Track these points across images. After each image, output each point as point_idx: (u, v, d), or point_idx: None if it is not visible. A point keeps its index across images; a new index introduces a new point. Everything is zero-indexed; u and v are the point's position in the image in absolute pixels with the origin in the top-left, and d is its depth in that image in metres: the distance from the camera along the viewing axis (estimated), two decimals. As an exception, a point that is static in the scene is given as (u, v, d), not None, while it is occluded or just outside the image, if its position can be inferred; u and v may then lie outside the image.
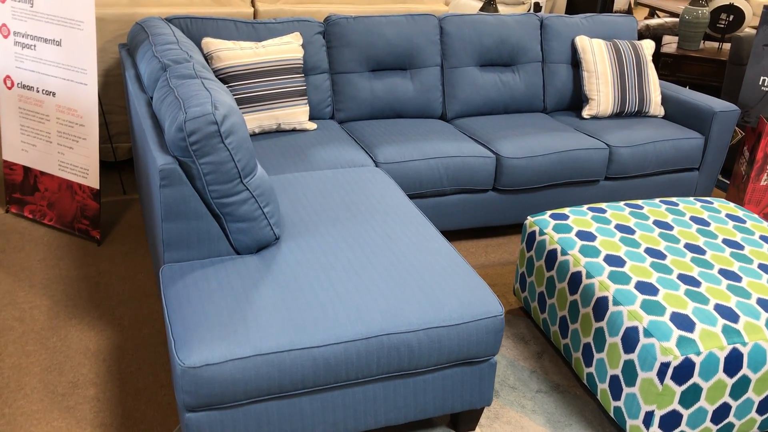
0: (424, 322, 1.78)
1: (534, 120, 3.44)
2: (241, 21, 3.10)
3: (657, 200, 2.68)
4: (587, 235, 2.36)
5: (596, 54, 3.50)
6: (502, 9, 4.93)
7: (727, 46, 4.71)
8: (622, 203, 2.63)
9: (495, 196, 3.11)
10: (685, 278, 2.11)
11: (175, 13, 3.36)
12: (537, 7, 4.95)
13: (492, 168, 3.03)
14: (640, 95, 3.51)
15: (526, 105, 3.59)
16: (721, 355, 1.86)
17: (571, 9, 5.57)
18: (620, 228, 2.42)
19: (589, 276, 2.18)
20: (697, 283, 2.09)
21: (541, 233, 2.47)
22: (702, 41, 4.52)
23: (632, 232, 2.39)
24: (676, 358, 1.83)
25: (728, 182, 4.08)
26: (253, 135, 2.99)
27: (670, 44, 4.66)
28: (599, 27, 3.67)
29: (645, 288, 2.06)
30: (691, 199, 2.73)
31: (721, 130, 3.36)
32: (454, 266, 2.02)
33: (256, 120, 2.92)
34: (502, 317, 1.86)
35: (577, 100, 3.69)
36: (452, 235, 3.29)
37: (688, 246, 2.32)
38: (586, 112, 3.52)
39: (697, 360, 1.84)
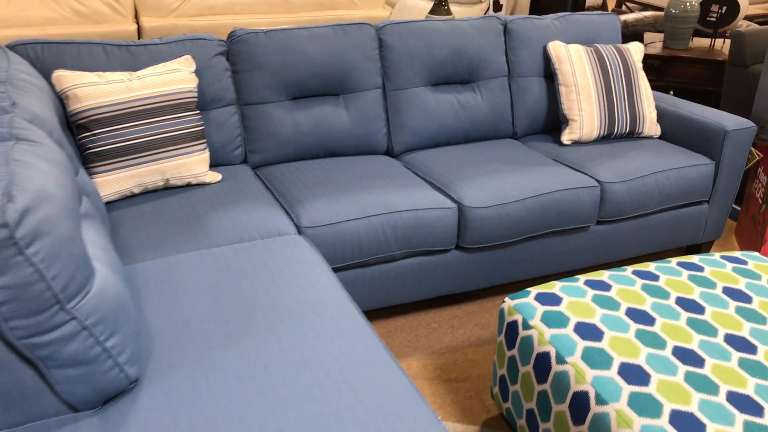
0: None
1: (503, 150, 2.80)
2: (112, 44, 2.40)
3: (673, 263, 2.06)
4: (590, 331, 1.73)
5: (575, 63, 2.88)
6: (455, 9, 4.29)
7: (719, 42, 4.15)
8: (629, 271, 2.00)
9: (459, 257, 2.47)
10: (741, 402, 1.48)
11: (26, 37, 2.64)
12: (497, 6, 4.33)
13: (453, 222, 2.38)
14: (632, 112, 2.90)
15: (491, 131, 2.96)
16: None
17: (536, 8, 4.95)
18: (633, 315, 1.79)
19: (600, 401, 1.54)
20: (760, 411, 1.46)
21: (526, 326, 1.83)
22: (690, 38, 3.94)
23: (651, 320, 1.77)
24: None
25: (738, 209, 3.50)
26: (132, 197, 2.29)
27: (655, 43, 4.08)
28: (576, 29, 3.05)
29: (687, 424, 1.42)
30: (716, 257, 2.11)
31: (735, 153, 2.77)
32: (409, 413, 1.36)
33: (134, 178, 2.23)
34: None
35: (553, 122, 3.06)
36: (408, 306, 2.63)
37: (730, 339, 1.70)
38: (566, 137, 2.90)
39: None
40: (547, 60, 3.00)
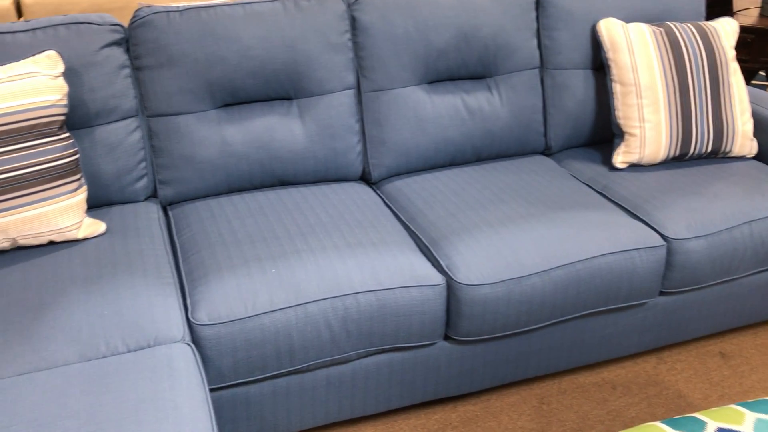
0: None
1: (528, 178, 2.00)
2: (-56, 32, 1.67)
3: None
4: None
5: (636, 51, 2.04)
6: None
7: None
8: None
9: (449, 351, 1.71)
10: None
11: None
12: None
13: (440, 306, 1.63)
14: (717, 124, 2.05)
15: (514, 145, 2.15)
16: None
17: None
18: None
19: None
20: None
21: None
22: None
23: None
24: None
25: None
26: (-38, 264, 1.59)
27: (748, 11, 3.14)
28: (639, 0, 2.19)
29: None
30: None
31: None
32: None
33: (-46, 241, 1.52)
34: None
35: (602, 132, 2.23)
36: (386, 414, 1.86)
37: None
38: (620, 158, 2.08)
39: None
40: (596, 45, 2.16)
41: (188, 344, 1.41)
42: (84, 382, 1.27)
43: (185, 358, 1.35)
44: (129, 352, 1.37)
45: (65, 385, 1.27)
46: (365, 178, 2.08)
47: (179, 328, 1.44)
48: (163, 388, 1.26)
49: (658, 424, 1.25)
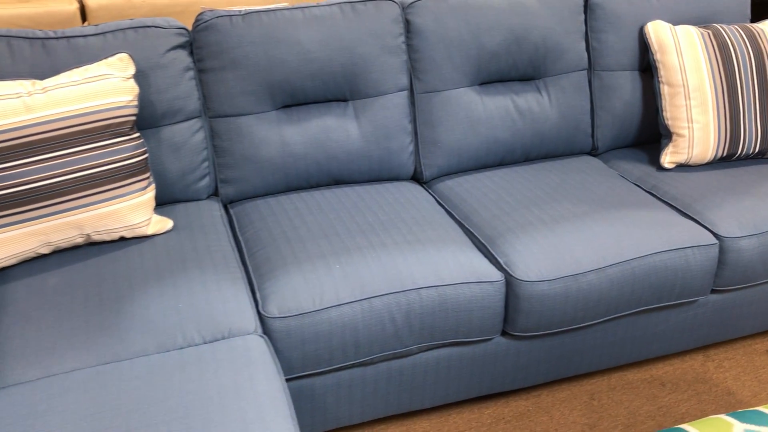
0: None
1: (578, 177, 2.04)
2: (20, 36, 1.74)
3: None
4: None
5: (684, 53, 2.07)
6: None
7: None
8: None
9: (506, 346, 1.76)
10: None
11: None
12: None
13: (499, 302, 1.67)
14: (765, 124, 2.08)
15: (562, 145, 2.19)
16: None
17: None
18: None
19: None
20: None
21: None
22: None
23: None
24: None
25: None
26: (40, 258, 1.66)
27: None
28: (686, 3, 2.22)
29: None
30: None
31: None
32: None
33: (36, 236, 1.59)
34: None
35: (648, 132, 2.27)
36: (440, 408, 1.92)
37: None
38: (668, 158, 2.11)
39: None
40: (643, 47, 2.19)
41: (261, 336, 1.46)
42: (166, 370, 1.33)
43: (260, 350, 1.40)
44: (205, 343, 1.43)
45: (148, 373, 1.32)
46: (416, 178, 2.13)
47: (251, 321, 1.49)
48: (243, 377, 1.31)
49: (723, 416, 1.28)
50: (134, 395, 1.27)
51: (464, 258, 1.68)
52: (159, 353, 1.40)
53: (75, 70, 1.67)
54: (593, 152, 2.27)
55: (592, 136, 2.23)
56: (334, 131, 1.96)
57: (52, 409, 1.24)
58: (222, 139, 1.92)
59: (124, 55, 1.72)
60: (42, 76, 1.72)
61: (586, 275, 1.69)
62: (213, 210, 1.88)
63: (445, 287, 1.62)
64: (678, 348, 1.98)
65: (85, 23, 2.31)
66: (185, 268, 1.60)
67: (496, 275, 1.67)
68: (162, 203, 1.90)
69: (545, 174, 2.08)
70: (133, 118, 1.69)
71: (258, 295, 1.58)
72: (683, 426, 1.25)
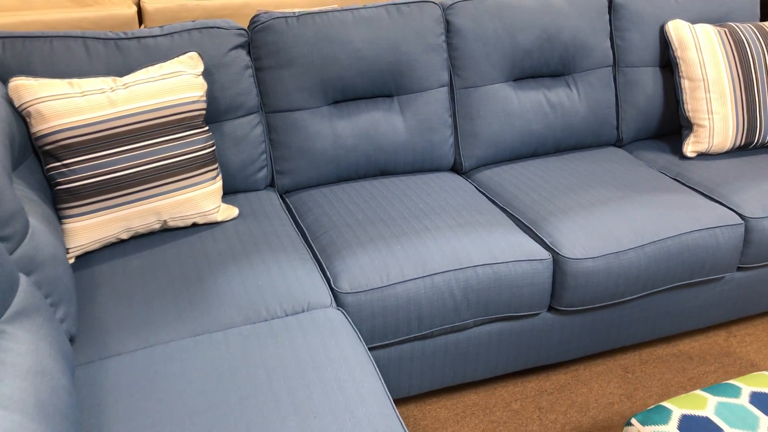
0: None
1: (607, 166, 2.19)
2: (96, 37, 1.86)
3: None
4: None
5: (703, 49, 2.22)
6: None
7: None
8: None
9: (551, 321, 1.89)
10: None
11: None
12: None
13: (547, 279, 1.81)
14: (779, 115, 2.24)
15: (590, 137, 2.33)
16: None
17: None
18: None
19: None
20: None
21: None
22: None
23: None
24: None
25: None
26: (119, 243, 1.77)
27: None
28: (704, 3, 2.38)
29: None
30: None
31: None
32: None
33: (119, 222, 1.71)
34: None
35: (669, 125, 2.42)
36: (485, 381, 2.05)
37: None
38: (690, 148, 2.26)
39: None
40: (664, 45, 2.35)
41: (338, 309, 1.59)
42: (259, 339, 1.45)
43: (340, 320, 1.53)
44: (288, 315, 1.55)
45: (243, 342, 1.44)
46: (455, 169, 2.26)
47: (327, 296, 1.62)
48: (330, 343, 1.44)
49: (698, 392, 1.41)
50: (234, 360, 1.38)
51: (513, 239, 1.82)
52: (246, 325, 1.52)
53: (150, 67, 1.79)
54: (618, 143, 2.42)
55: (617, 128, 2.38)
56: (381, 125, 2.10)
57: (162, 372, 1.35)
58: (278, 133, 2.04)
59: (194, 54, 1.85)
60: (117, 74, 1.84)
61: (626, 253, 1.83)
62: (272, 199, 2.00)
63: (498, 265, 1.75)
64: (704, 323, 2.12)
65: (142, 26, 2.43)
66: (258, 250, 1.73)
67: (544, 254, 1.81)
68: (225, 193, 2.02)
69: (576, 163, 2.22)
70: (204, 112, 1.81)
71: (328, 273, 1.70)
72: (663, 403, 1.39)
